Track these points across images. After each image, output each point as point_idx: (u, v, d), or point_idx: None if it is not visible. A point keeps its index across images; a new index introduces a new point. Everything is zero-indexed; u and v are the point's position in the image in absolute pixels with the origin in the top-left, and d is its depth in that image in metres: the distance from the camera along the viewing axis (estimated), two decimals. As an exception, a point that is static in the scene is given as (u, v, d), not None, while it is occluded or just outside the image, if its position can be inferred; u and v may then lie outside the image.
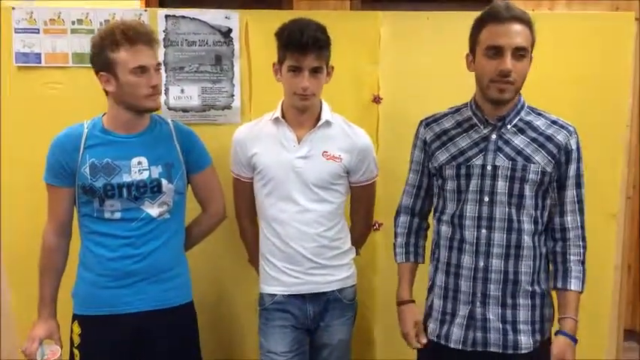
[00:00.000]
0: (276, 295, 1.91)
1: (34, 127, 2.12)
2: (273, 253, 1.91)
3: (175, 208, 1.84)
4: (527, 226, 1.65)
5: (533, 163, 1.64)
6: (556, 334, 1.69)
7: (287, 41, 1.78)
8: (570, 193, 1.68)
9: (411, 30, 2.25)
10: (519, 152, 1.64)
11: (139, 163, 1.78)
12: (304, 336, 1.94)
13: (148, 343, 1.80)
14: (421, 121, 1.82)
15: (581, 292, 1.68)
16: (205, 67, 2.21)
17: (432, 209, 1.82)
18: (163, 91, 2.08)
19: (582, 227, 1.70)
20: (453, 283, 1.70)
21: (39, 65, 2.16)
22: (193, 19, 2.19)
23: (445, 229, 1.72)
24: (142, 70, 1.70)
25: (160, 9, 2.28)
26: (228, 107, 2.24)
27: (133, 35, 1.68)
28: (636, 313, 3.48)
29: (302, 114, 1.88)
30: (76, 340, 1.80)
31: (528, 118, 1.69)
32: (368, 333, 2.33)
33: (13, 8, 2.14)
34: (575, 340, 1.66)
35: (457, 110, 1.77)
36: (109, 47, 1.68)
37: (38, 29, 2.15)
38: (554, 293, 1.72)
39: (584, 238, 1.70)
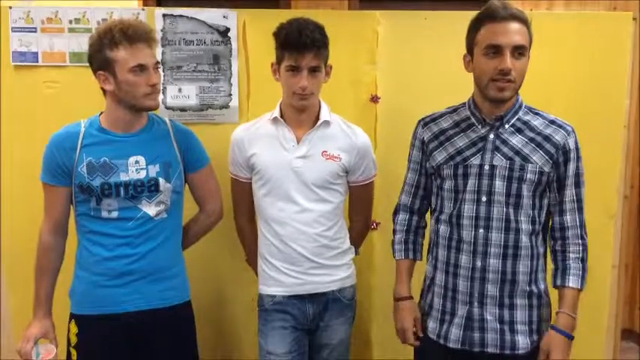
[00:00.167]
0: (275, 296, 1.90)
1: (31, 126, 2.12)
2: (272, 253, 1.90)
3: (173, 208, 1.83)
4: (525, 226, 1.65)
5: (531, 162, 1.64)
6: (549, 328, 1.68)
7: (285, 41, 1.78)
8: (569, 192, 1.68)
9: (409, 29, 2.25)
10: (517, 152, 1.64)
11: (137, 162, 1.77)
12: (304, 336, 1.94)
13: (146, 342, 1.79)
14: (419, 121, 1.82)
15: (580, 290, 1.67)
16: (203, 67, 2.21)
17: (430, 208, 1.82)
18: (161, 91, 2.07)
19: (582, 226, 1.70)
20: (452, 283, 1.70)
21: (36, 64, 2.16)
22: (191, 18, 2.19)
23: (443, 229, 1.72)
24: (141, 68, 1.70)
25: (157, 8, 2.27)
26: (226, 106, 2.23)
27: (132, 34, 1.68)
28: (634, 312, 3.49)
29: (301, 114, 1.88)
30: (73, 340, 1.79)
31: (526, 117, 1.69)
32: (365, 332, 2.33)
33: (10, 7, 2.13)
34: (569, 337, 1.65)
35: (455, 110, 1.77)
36: (107, 46, 1.68)
37: (35, 28, 2.15)
38: (552, 293, 1.72)
39: (583, 236, 1.70)
